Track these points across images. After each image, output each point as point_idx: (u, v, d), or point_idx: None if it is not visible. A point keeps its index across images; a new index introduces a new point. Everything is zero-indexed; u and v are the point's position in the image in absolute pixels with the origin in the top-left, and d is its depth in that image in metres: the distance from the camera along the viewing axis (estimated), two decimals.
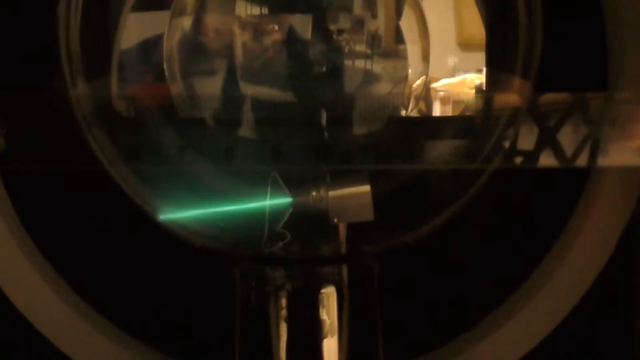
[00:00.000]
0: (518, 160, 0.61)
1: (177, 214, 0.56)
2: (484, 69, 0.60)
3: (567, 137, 0.60)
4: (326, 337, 0.50)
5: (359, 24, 0.53)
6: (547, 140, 0.61)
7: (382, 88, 0.54)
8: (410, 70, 0.56)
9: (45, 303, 0.62)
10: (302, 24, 0.52)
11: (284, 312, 0.51)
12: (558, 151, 0.63)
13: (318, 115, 0.52)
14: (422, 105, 0.60)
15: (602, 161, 0.55)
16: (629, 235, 0.62)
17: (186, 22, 0.55)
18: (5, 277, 0.61)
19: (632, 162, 0.54)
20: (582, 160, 0.55)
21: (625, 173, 0.61)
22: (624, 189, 0.61)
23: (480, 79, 0.62)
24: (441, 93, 0.62)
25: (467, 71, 0.61)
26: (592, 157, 0.55)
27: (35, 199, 0.64)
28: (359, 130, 0.53)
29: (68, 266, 0.64)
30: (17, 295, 0.61)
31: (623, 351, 0.66)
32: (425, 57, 0.57)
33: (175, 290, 0.66)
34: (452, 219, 0.59)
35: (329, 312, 0.50)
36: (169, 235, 0.59)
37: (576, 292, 0.62)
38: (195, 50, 0.55)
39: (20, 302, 0.61)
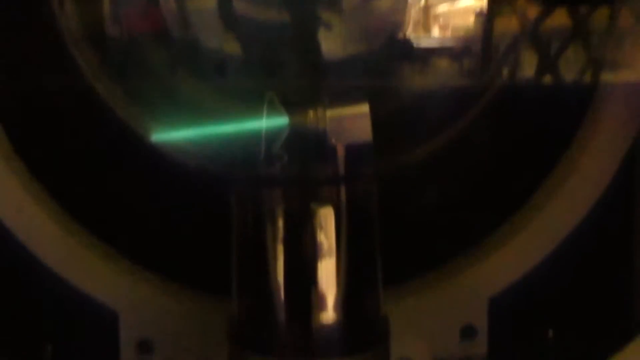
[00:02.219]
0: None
1: (171, 135, 0.55)
2: None
3: (568, 64, 0.59)
4: (324, 258, 0.49)
5: None
6: (547, 66, 0.60)
7: (382, 4, 0.53)
8: None
9: (40, 227, 0.61)
10: None
11: (281, 234, 0.50)
12: (558, 78, 0.62)
13: (315, 34, 0.51)
14: (421, 30, 0.59)
15: (605, 78, 0.54)
16: (633, 155, 0.61)
17: None
18: None
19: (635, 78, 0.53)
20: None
21: (628, 95, 0.60)
22: (627, 110, 0.60)
23: (481, 2, 0.61)
24: (441, 18, 0.61)
25: None
26: (595, 76, 0.55)
27: (29, 124, 0.63)
28: (358, 48, 0.52)
29: (61, 189, 0.63)
30: (9, 218, 0.60)
31: (626, 272, 0.66)
32: None
33: (169, 212, 0.65)
34: (453, 141, 0.59)
35: (327, 233, 0.50)
36: (163, 157, 0.58)
37: (579, 211, 0.62)
38: None
39: (13, 224, 0.61)
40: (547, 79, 0.62)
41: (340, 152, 0.50)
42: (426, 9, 0.59)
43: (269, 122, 0.50)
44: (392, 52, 0.54)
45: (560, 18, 0.61)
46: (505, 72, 0.64)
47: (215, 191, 0.55)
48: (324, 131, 0.50)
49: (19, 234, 0.61)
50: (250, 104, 0.52)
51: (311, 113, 0.50)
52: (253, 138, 0.51)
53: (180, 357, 0.62)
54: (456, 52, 0.59)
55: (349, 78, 0.53)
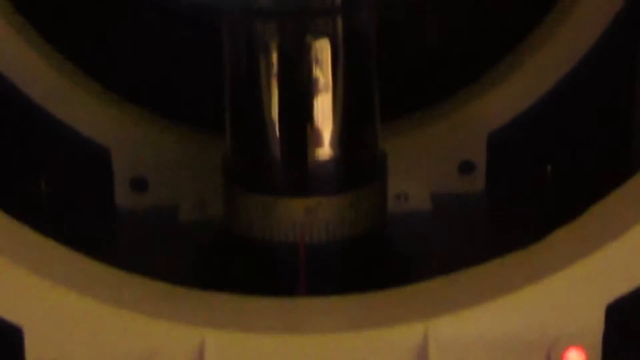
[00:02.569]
0: None
1: None
2: None
3: None
4: (319, 93, 0.48)
5: None
6: None
7: None
8: None
9: (31, 65, 0.60)
10: None
11: (275, 68, 0.48)
12: None
13: None
14: None
15: None
16: None
17: None
18: None
19: None
20: None
21: None
22: None
23: None
24: None
25: None
26: None
27: None
28: None
29: (51, 27, 0.62)
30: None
31: (626, 107, 0.65)
32: None
33: (160, 47, 0.64)
34: None
35: (323, 67, 0.48)
36: None
37: (580, 47, 0.61)
38: None
39: (3, 64, 0.59)
40: None
41: None
42: None
43: None
44: None
45: None
46: None
47: (207, 25, 0.53)
48: None
49: (10, 73, 0.60)
50: None
51: None
52: None
53: (175, 195, 0.62)
54: None
55: None
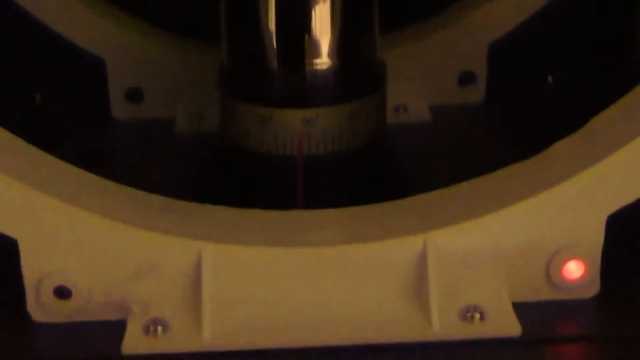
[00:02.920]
0: None
1: None
2: None
3: None
4: (317, 2, 0.47)
5: None
6: None
7: None
8: None
9: None
10: None
11: None
12: None
13: None
14: None
15: None
16: None
17: None
18: None
19: None
20: None
21: None
22: None
23: None
24: None
25: None
26: None
27: None
28: None
29: None
30: None
31: (628, 20, 0.64)
32: None
33: None
34: None
35: None
36: None
37: None
38: None
39: None
40: None
41: None
42: None
43: None
44: None
45: None
46: None
47: None
48: None
49: None
50: None
51: None
52: None
53: (172, 107, 0.61)
54: None
55: None
